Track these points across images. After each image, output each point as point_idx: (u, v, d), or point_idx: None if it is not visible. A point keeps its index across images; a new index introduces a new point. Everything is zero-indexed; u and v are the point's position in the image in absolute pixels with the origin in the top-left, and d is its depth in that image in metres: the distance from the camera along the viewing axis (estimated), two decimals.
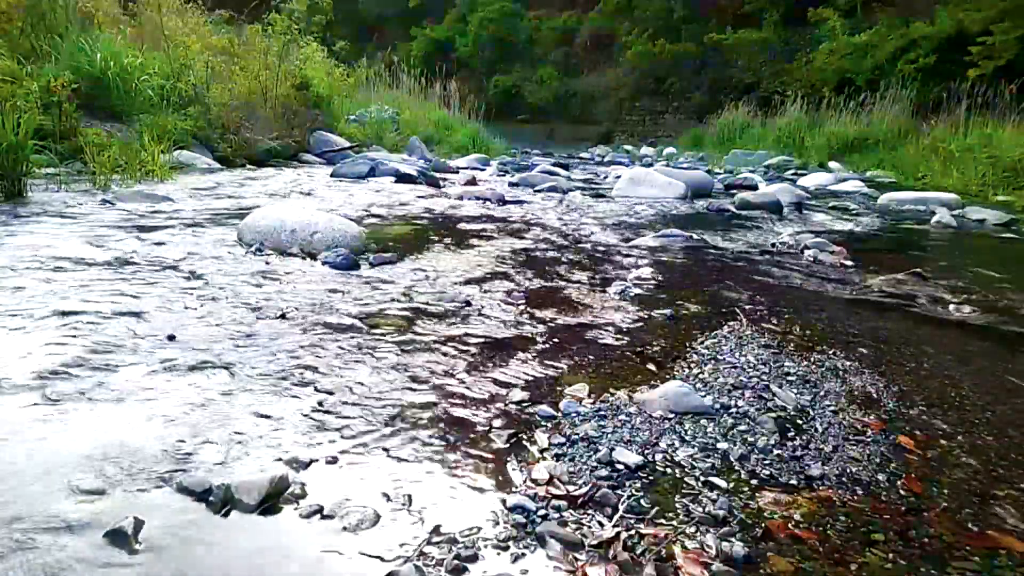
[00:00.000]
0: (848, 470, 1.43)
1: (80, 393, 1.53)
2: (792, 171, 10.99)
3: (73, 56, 6.29)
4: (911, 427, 1.67)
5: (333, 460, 1.33)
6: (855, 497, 1.33)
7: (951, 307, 2.85)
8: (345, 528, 1.12)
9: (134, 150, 5.40)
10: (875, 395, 1.86)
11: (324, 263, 2.94)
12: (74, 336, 1.87)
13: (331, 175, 6.86)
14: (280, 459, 1.31)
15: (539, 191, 6.57)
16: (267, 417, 1.49)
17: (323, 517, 1.15)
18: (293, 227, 3.23)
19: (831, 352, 2.19)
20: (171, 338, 1.91)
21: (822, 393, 1.84)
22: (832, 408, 1.75)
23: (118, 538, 1.04)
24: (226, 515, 1.14)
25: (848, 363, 2.09)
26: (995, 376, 2.07)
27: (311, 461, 1.32)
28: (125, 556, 1.01)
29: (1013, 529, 1.25)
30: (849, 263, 3.70)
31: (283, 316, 2.20)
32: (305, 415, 1.51)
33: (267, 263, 2.91)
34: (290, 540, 1.09)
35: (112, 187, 4.67)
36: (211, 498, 1.15)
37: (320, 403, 1.58)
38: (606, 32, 25.56)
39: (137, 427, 1.39)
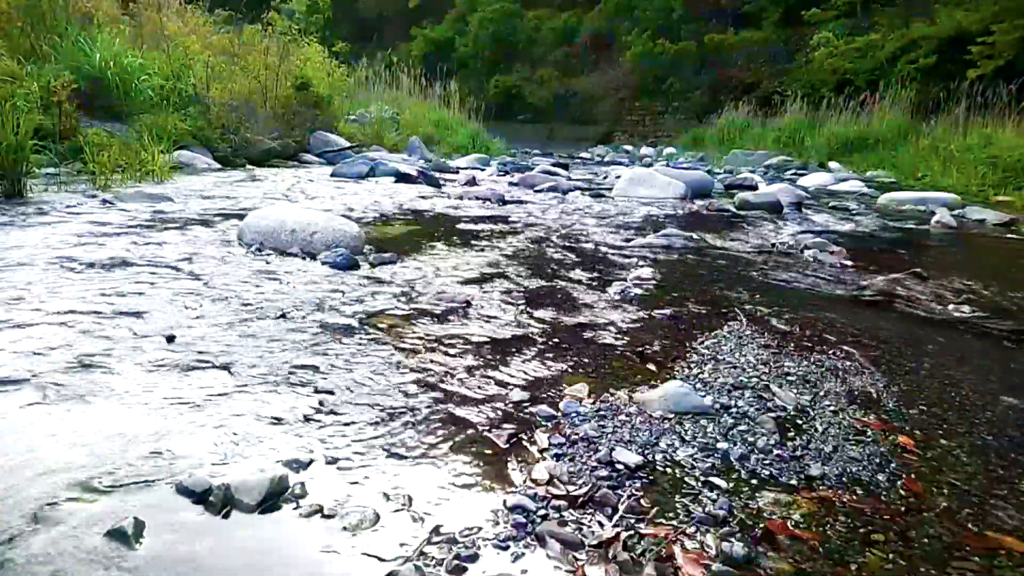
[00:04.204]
0: (848, 470, 1.43)
1: (79, 393, 1.53)
2: (792, 171, 11.00)
3: (73, 56, 6.29)
4: (911, 427, 1.67)
5: (333, 460, 1.33)
6: (855, 497, 1.33)
7: (951, 307, 2.85)
8: (345, 528, 1.12)
9: (134, 150, 5.40)
10: (875, 395, 1.86)
11: (324, 263, 2.94)
12: (73, 336, 1.87)
13: (331, 175, 6.86)
14: (280, 459, 1.31)
15: (539, 191, 6.57)
16: (267, 417, 1.49)
17: (323, 517, 1.15)
18: (293, 227, 3.23)
19: (831, 352, 2.19)
20: (171, 338, 1.91)
21: (822, 393, 1.84)
22: (832, 408, 1.75)
23: (118, 538, 1.04)
24: (226, 515, 1.14)
25: (848, 363, 2.09)
26: (995, 376, 2.07)
27: (311, 461, 1.32)
28: (125, 556, 1.01)
29: (1013, 529, 1.25)
30: (849, 263, 3.70)
31: (283, 316, 2.20)
32: (305, 415, 1.51)
33: (267, 263, 2.91)
34: (290, 540, 1.09)
35: (112, 187, 4.67)
36: (211, 498, 1.15)
37: (320, 403, 1.58)
38: (606, 32, 25.56)
39: (137, 427, 1.39)
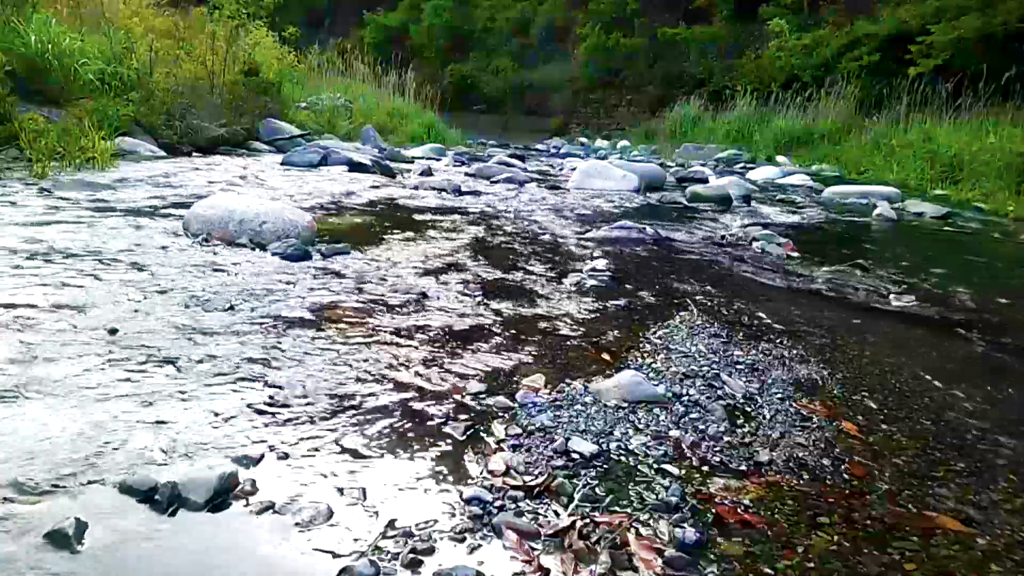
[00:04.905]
0: (795, 455, 1.48)
1: (18, 390, 1.47)
2: (741, 164, 11.21)
3: (4, 37, 5.99)
4: (854, 413, 1.73)
5: (285, 455, 1.31)
6: (801, 482, 1.37)
7: (891, 297, 2.95)
8: (297, 524, 1.10)
9: (74, 136, 5.18)
10: (820, 382, 1.92)
11: (274, 254, 2.88)
12: (10, 331, 1.79)
13: (281, 163, 6.70)
14: (229, 455, 1.28)
15: (495, 182, 6.55)
16: (215, 412, 1.45)
17: (275, 513, 1.13)
18: (241, 217, 3.15)
19: (778, 341, 2.25)
20: (113, 332, 1.85)
21: (770, 381, 1.89)
22: (779, 395, 1.79)
23: (59, 540, 1.00)
24: (173, 514, 1.10)
25: (794, 351, 2.15)
26: (932, 363, 2.16)
27: (261, 456, 1.29)
28: (67, 558, 0.98)
29: (950, 509, 1.30)
30: (795, 255, 3.80)
31: (231, 309, 2.14)
32: (255, 410, 1.48)
33: (214, 254, 2.83)
34: (240, 538, 1.07)
35: (51, 175, 4.47)
36: (157, 497, 1.12)
37: (271, 397, 1.55)
38: (561, 24, 25.58)
39: (78, 425, 1.34)
